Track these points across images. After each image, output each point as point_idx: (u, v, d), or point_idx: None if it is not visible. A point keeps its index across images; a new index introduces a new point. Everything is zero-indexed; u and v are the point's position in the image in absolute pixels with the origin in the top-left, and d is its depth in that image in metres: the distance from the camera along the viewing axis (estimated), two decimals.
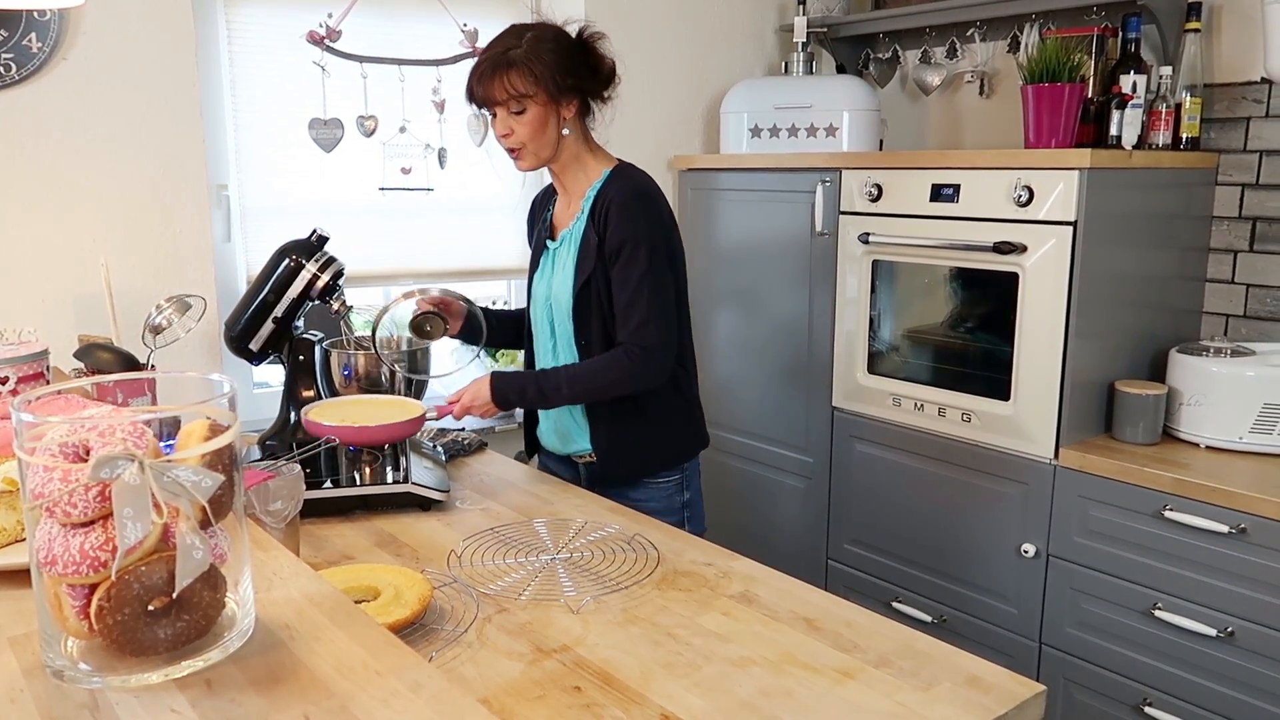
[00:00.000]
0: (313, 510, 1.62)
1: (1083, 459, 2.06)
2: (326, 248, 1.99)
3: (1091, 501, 2.06)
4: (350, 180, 2.68)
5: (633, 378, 1.73)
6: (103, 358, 1.75)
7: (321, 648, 0.79)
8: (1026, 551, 2.16)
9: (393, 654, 0.78)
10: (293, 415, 1.98)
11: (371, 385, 1.97)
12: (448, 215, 2.85)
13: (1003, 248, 2.10)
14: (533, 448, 2.02)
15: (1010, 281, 2.15)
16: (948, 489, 2.32)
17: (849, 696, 1.11)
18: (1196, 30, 2.26)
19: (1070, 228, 2.03)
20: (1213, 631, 1.88)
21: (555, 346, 1.87)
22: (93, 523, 0.72)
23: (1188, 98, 2.26)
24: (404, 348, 2.11)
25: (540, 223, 1.93)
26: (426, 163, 2.73)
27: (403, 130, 2.68)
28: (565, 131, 1.76)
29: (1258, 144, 2.27)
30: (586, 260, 1.76)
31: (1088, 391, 2.14)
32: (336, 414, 1.74)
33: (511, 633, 1.24)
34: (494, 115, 1.73)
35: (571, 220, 1.82)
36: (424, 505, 1.68)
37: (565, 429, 1.89)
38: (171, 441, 0.77)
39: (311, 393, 2.00)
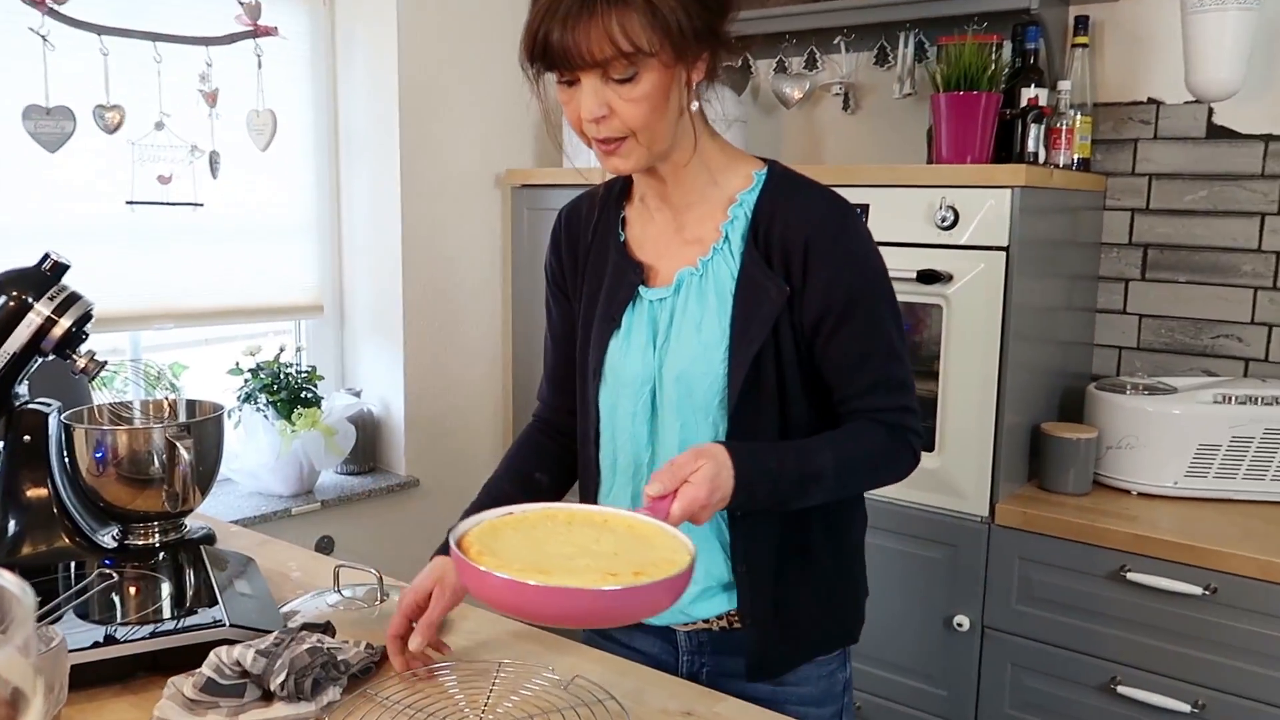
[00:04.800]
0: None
1: (1023, 515, 1.86)
2: (65, 280, 1.43)
3: (1034, 564, 1.86)
4: (86, 191, 2.06)
5: (901, 471, 1.18)
6: None
7: None
8: (960, 625, 1.94)
9: None
10: (12, 524, 1.40)
11: (137, 471, 1.43)
12: (221, 238, 2.28)
13: (927, 277, 1.88)
14: None
15: (932, 316, 1.93)
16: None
17: None
18: (1084, 45, 2.17)
19: (1003, 253, 1.84)
20: (1185, 707, 1.72)
21: (656, 464, 1.18)
22: None
23: (1078, 117, 2.17)
24: (183, 416, 1.58)
25: (604, 256, 1.22)
26: (193, 170, 2.18)
27: (160, 127, 2.12)
28: (694, 107, 1.12)
29: (1146, 166, 2.21)
30: (757, 315, 1.11)
31: (1013, 437, 1.96)
32: (522, 552, 0.94)
33: None
34: (570, 82, 1.07)
35: (703, 251, 1.16)
36: None
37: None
38: None
39: (45, 491, 1.42)
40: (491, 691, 1.10)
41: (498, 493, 1.25)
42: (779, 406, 1.14)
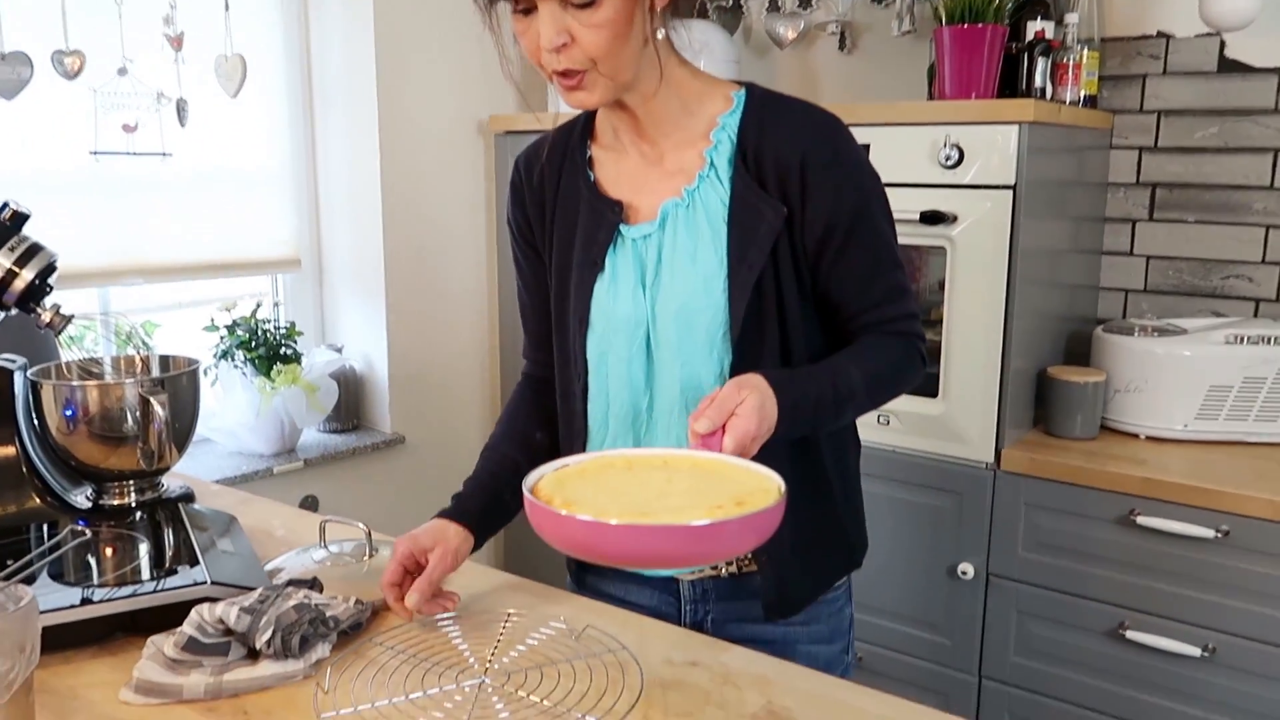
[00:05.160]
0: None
1: (1029, 461, 1.84)
2: (26, 230, 1.38)
3: (1040, 510, 1.85)
4: (47, 140, 2.00)
5: (915, 379, 1.16)
6: None
7: None
8: (964, 573, 1.92)
9: None
10: None
11: (109, 429, 1.39)
12: (192, 190, 2.22)
13: (931, 218, 1.84)
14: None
15: (936, 257, 1.89)
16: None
17: None
18: None
19: (1009, 192, 1.80)
20: (1194, 650, 1.71)
21: (655, 409, 1.15)
22: None
23: (1085, 51, 2.12)
24: (156, 371, 1.54)
25: (574, 199, 1.17)
26: (160, 118, 2.11)
27: (123, 73, 2.05)
28: (660, 34, 1.07)
29: (1155, 103, 2.16)
30: (755, 240, 1.07)
31: (1019, 382, 1.93)
32: (605, 499, 0.91)
33: None
34: (525, 10, 1.02)
35: (688, 181, 1.12)
36: None
37: None
38: None
39: (12, 450, 1.38)
40: (498, 643, 1.07)
41: (500, 457, 1.22)
42: (780, 333, 1.11)
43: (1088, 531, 1.80)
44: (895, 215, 1.86)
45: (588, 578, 1.31)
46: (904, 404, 1.94)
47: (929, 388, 1.93)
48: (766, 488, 0.90)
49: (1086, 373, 1.94)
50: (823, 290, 1.13)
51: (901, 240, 1.89)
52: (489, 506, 1.17)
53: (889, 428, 1.97)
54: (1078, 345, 2.13)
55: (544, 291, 1.23)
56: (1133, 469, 1.76)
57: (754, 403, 0.96)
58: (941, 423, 1.92)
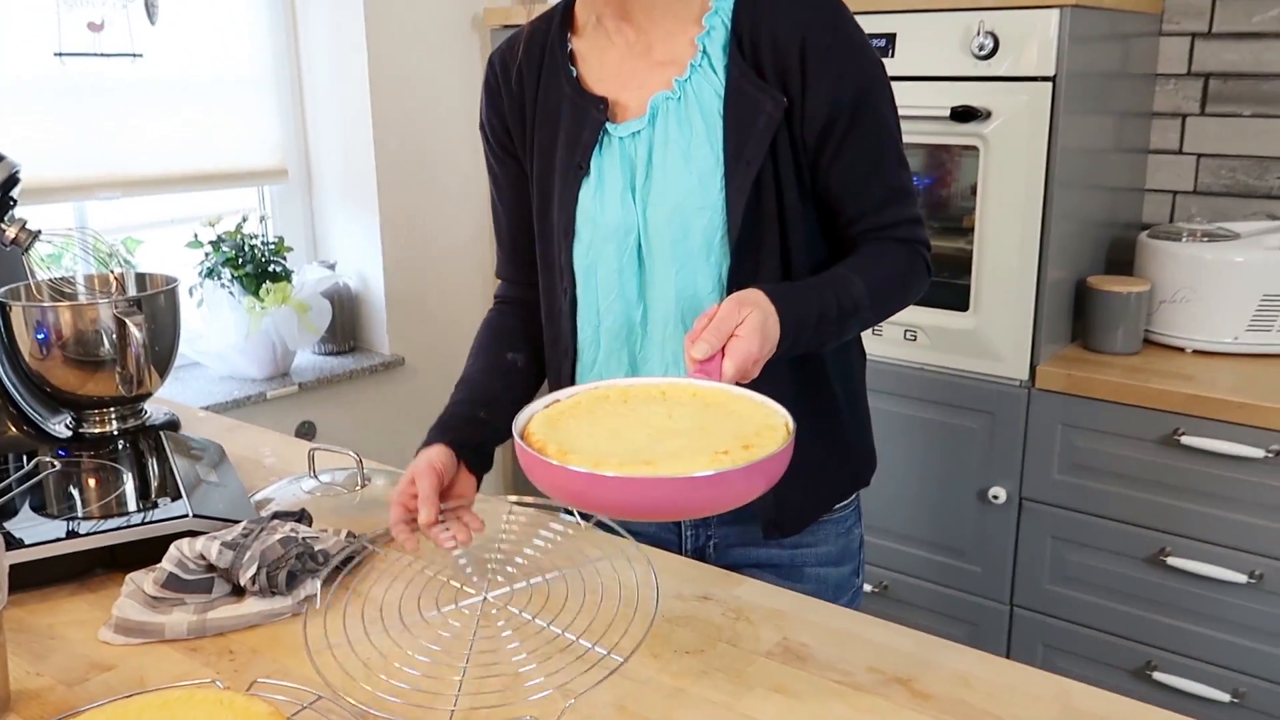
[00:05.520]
0: (14, 582, 1.02)
1: (1066, 378, 1.79)
2: None
3: (1078, 430, 1.80)
4: (6, 41, 1.92)
5: (920, 290, 1.12)
6: None
7: None
8: (995, 497, 1.89)
9: None
10: None
11: (85, 353, 1.35)
12: (167, 94, 2.15)
13: (962, 114, 1.76)
14: None
15: (967, 158, 1.82)
16: (886, 427, 1.99)
17: None
18: None
19: (1048, 85, 1.71)
20: (1240, 578, 1.68)
21: (650, 322, 1.12)
22: None
23: None
24: (132, 290, 1.50)
25: (555, 98, 1.11)
26: (128, 15, 2.03)
27: None
28: None
29: None
30: (753, 133, 1.01)
31: (1057, 293, 1.87)
32: (602, 441, 0.85)
33: None
34: None
35: (679, 71, 1.06)
36: None
37: None
38: None
39: None
40: (500, 552, 1.04)
41: (470, 384, 1.17)
42: (780, 236, 1.06)
43: (1128, 452, 1.76)
44: (924, 112, 1.79)
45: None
46: (932, 318, 1.89)
47: (959, 300, 1.87)
48: (773, 424, 0.85)
49: (1129, 282, 1.88)
50: (822, 188, 1.07)
51: (930, 139, 1.83)
52: (461, 425, 1.11)
53: (916, 343, 1.92)
54: (1120, 253, 2.06)
55: (523, 201, 1.18)
56: (1178, 385, 1.71)
57: (755, 321, 0.91)
58: (973, 338, 1.87)
